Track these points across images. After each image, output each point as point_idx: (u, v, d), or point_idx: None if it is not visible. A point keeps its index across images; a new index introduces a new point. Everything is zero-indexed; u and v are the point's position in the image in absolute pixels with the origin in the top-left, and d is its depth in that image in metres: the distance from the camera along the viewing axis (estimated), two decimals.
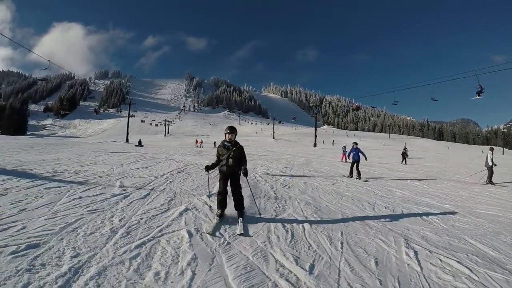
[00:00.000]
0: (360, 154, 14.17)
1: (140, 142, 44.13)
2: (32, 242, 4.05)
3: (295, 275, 3.59)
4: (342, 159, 24.36)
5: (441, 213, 7.18)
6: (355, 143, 14.82)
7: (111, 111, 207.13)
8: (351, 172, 13.86)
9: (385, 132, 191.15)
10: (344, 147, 25.66)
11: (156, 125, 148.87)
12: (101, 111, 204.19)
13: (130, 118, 67.68)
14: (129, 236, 4.56)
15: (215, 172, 12.25)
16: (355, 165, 13.84)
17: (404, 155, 25.85)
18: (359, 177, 13.20)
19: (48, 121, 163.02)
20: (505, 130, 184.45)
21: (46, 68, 18.35)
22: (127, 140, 54.80)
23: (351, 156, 14.47)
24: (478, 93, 24.90)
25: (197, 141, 52.95)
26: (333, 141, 75.51)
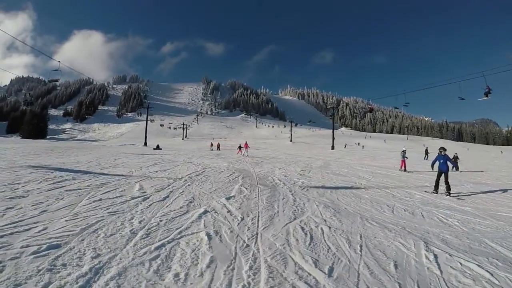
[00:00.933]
0: (448, 162, 10.96)
1: (158, 146, 44.03)
2: (53, 243, 4.11)
3: (314, 277, 3.56)
4: (401, 168, 19.88)
5: (461, 216, 7.04)
6: (443, 149, 11.36)
7: (130, 115, 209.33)
8: (436, 187, 10.71)
9: (403, 134, 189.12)
10: (404, 152, 20.83)
11: (175, 128, 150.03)
12: (118, 115, 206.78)
13: (148, 122, 68.28)
14: (149, 237, 4.59)
15: (234, 175, 12.29)
16: (442, 177, 10.80)
17: (456, 159, 22.89)
18: (448, 192, 10.23)
19: (68, 125, 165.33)
20: None
21: (56, 70, 18.41)
22: (145, 144, 55.25)
23: (435, 166, 11.31)
24: (486, 94, 24.54)
25: (212, 144, 48.84)
26: (345, 144, 73.23)
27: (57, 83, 19.75)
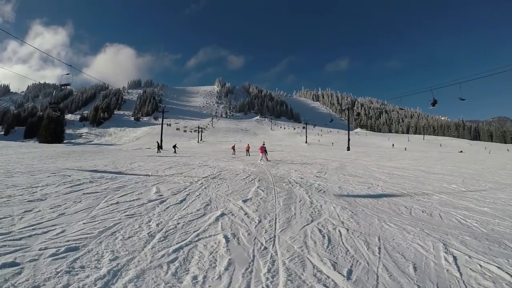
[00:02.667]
0: None
1: (175, 146, 44.22)
2: (71, 245, 4.16)
3: (332, 280, 3.55)
4: None
5: (479, 217, 6.89)
6: None
7: (145, 119, 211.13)
8: None
9: (419, 134, 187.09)
10: None
11: (191, 131, 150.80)
12: (136, 119, 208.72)
13: (164, 126, 68.77)
14: (167, 240, 4.61)
15: (250, 177, 12.27)
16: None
17: None
18: None
19: (84, 130, 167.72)
20: None
21: (68, 74, 18.64)
22: (161, 147, 55.70)
23: None
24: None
25: (234, 148, 41.37)
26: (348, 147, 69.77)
27: (69, 87, 19.84)
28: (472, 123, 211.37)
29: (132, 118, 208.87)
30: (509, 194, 10.25)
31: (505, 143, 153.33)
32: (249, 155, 31.76)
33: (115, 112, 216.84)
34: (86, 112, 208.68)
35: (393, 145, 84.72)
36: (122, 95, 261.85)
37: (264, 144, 30.80)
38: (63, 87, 19.82)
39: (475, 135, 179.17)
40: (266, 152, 25.07)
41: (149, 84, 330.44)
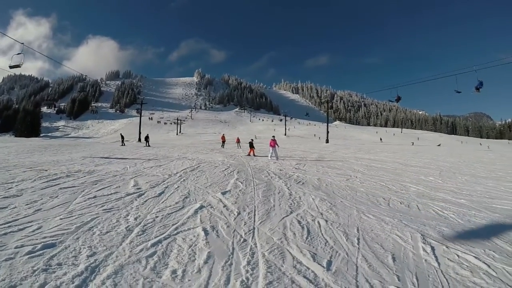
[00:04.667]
0: None
1: (146, 138, 38.27)
2: (48, 242, 4.07)
3: (312, 271, 3.57)
4: None
5: (456, 208, 7.05)
6: None
7: (121, 111, 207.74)
8: None
9: (397, 127, 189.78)
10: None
11: (171, 123, 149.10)
12: (113, 111, 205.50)
13: (142, 118, 68.00)
14: (145, 234, 4.57)
15: (229, 169, 12.28)
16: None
17: None
18: None
19: (61, 123, 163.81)
20: None
21: (19, 54, 16.24)
22: (139, 140, 55.15)
23: None
24: (477, 88, 24.97)
25: (223, 140, 35.98)
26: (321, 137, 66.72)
27: (20, 68, 16.85)
28: (449, 117, 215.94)
29: (111, 110, 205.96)
30: (485, 187, 10.51)
31: (481, 137, 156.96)
32: (240, 147, 30.53)
33: (92, 104, 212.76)
34: (63, 104, 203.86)
35: (381, 139, 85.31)
36: (100, 86, 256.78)
37: (274, 138, 21.27)
38: (12, 68, 17.13)
39: (452, 130, 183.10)
40: (274, 148, 19.46)
41: (127, 75, 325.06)
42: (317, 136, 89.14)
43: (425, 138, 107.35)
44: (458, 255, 4.17)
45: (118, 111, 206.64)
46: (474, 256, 4.12)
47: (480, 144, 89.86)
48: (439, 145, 69.23)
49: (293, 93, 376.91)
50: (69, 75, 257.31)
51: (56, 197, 6.71)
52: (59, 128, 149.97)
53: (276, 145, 19.62)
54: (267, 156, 19.60)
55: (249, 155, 21.82)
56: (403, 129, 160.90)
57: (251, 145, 22.90)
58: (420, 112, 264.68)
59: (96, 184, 8.43)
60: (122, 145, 35.14)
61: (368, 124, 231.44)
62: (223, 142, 34.99)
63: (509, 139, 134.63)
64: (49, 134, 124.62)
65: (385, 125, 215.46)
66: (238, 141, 35.92)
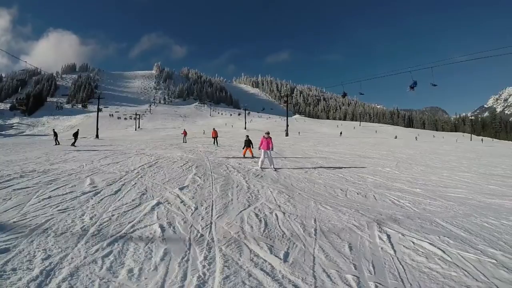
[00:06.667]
0: None
1: (75, 135, 27.83)
2: (1, 247, 3.95)
3: (269, 264, 3.64)
4: None
5: (412, 197, 7.36)
6: None
7: (80, 106, 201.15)
8: None
9: (356, 120, 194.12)
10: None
11: (129, 118, 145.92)
12: (69, 106, 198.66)
13: (100, 113, 66.30)
14: (101, 234, 4.52)
15: (188, 164, 12.25)
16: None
17: None
18: None
19: (15, 120, 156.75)
20: (472, 118, 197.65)
21: None
22: (97, 136, 53.76)
23: None
24: (412, 87, 25.87)
25: (185, 133, 36.60)
26: (299, 132, 69.14)
27: None
28: (406, 111, 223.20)
29: (67, 106, 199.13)
30: (440, 177, 11.00)
31: (437, 130, 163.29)
32: (217, 143, 28.15)
33: (48, 99, 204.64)
34: (15, 99, 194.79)
35: (341, 133, 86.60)
36: (56, 80, 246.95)
37: (269, 135, 13.82)
38: None
39: (409, 123, 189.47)
40: (272, 148, 13.44)
41: (84, 69, 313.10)
42: (277, 129, 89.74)
43: (383, 131, 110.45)
44: (413, 242, 4.36)
45: (76, 106, 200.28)
46: (429, 243, 4.32)
47: (434, 136, 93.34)
48: (396, 137, 71.46)
49: (253, 87, 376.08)
50: (29, 70, 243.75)
51: (10, 199, 6.49)
52: (13, 126, 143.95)
53: (271, 147, 13.11)
54: (257, 163, 12.95)
55: (244, 156, 16.56)
56: (361, 122, 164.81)
57: (248, 143, 16.72)
58: (378, 106, 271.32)
59: (51, 183, 8.18)
60: (56, 144, 27.85)
61: (328, 118, 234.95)
62: (184, 136, 35.19)
63: (463, 132, 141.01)
64: (3, 132, 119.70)
65: (344, 119, 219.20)
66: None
